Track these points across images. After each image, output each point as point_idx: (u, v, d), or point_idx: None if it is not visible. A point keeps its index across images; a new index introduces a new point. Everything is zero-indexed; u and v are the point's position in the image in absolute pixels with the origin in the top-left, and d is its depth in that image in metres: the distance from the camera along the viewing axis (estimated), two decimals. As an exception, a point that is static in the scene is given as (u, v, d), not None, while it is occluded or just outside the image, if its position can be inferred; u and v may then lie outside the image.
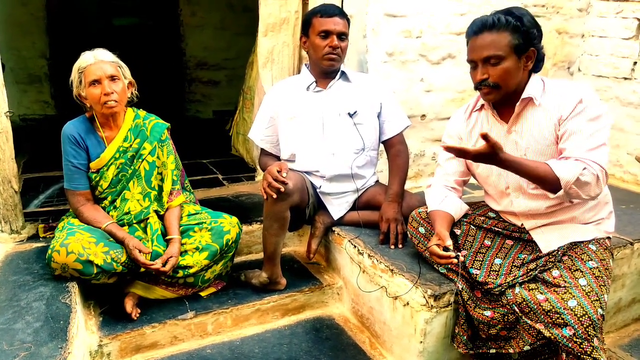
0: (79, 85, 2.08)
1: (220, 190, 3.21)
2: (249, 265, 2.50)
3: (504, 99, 1.78)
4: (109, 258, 1.94)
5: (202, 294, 2.24)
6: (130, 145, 2.16)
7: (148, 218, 2.17)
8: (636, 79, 3.24)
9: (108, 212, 2.16)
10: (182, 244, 2.13)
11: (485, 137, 1.53)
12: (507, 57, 1.70)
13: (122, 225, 2.13)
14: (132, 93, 2.18)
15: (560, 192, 1.62)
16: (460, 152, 1.63)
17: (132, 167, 2.17)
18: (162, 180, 2.23)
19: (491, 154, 1.58)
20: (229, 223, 2.21)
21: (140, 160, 2.18)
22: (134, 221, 2.16)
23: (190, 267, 2.11)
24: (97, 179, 2.13)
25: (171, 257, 2.05)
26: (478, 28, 1.73)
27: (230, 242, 2.19)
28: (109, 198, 2.16)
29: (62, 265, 1.90)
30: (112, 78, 2.05)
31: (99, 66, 2.03)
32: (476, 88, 1.79)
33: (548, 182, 1.63)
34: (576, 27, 3.47)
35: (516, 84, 1.76)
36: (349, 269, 2.35)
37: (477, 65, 1.74)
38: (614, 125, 3.26)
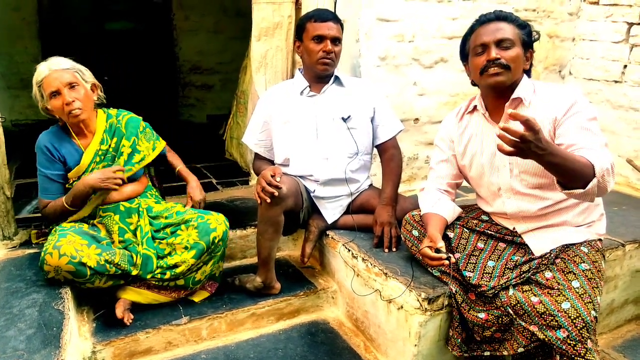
0: (42, 99, 2.05)
1: (215, 194, 3.20)
2: (244, 269, 2.49)
3: (504, 89, 1.80)
4: (102, 260, 1.94)
5: (196, 298, 2.23)
6: (109, 146, 2.15)
7: (139, 211, 2.16)
8: (626, 82, 3.27)
9: (97, 211, 2.14)
10: (169, 244, 2.11)
11: (516, 117, 1.32)
12: (517, 46, 1.77)
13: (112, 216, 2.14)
14: (98, 96, 2.15)
15: (593, 183, 1.48)
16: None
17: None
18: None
19: (537, 140, 1.35)
20: (215, 220, 2.16)
21: (121, 157, 2.17)
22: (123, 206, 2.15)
23: (178, 265, 2.08)
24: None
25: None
26: (490, 18, 1.80)
27: (217, 239, 2.13)
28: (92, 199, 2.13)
29: (55, 267, 1.89)
30: (71, 86, 2.02)
31: (54, 77, 1.99)
32: (482, 72, 1.78)
33: (584, 173, 1.48)
34: (567, 31, 3.50)
35: (518, 76, 1.79)
36: (343, 273, 2.35)
37: (488, 47, 1.77)
38: (605, 128, 3.29)
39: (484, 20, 1.81)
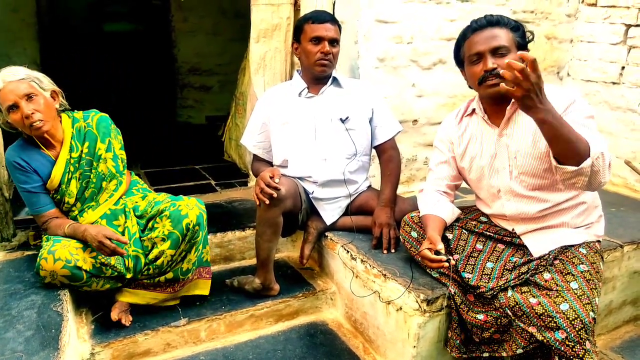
0: (0, 114, 1.94)
1: (213, 196, 3.20)
2: (242, 271, 2.49)
3: (503, 96, 1.79)
4: (98, 262, 1.93)
5: (199, 291, 2.20)
6: (81, 152, 2.06)
7: (126, 211, 2.13)
8: (624, 83, 3.28)
9: (82, 214, 2.08)
10: (149, 239, 2.06)
11: (524, 57, 1.37)
12: (512, 51, 1.74)
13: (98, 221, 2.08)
14: (60, 103, 2.04)
15: (587, 162, 1.48)
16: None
17: (93, 172, 2.08)
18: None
19: (537, 87, 1.39)
20: (186, 205, 2.05)
21: (99, 161, 2.09)
22: (107, 199, 2.11)
23: (158, 258, 2.03)
24: (59, 197, 2.05)
25: None
26: (482, 24, 1.77)
27: (192, 225, 2.03)
28: (78, 206, 2.08)
29: (50, 272, 1.88)
30: (29, 97, 1.90)
31: (9, 89, 1.88)
32: (480, 82, 1.77)
33: (579, 148, 1.49)
34: (565, 32, 3.51)
35: None
36: (342, 274, 2.35)
37: (483, 57, 1.75)
38: (602, 129, 3.30)
39: (475, 28, 1.78)
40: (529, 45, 1.84)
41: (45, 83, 2.00)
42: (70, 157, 2.05)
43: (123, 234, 2.08)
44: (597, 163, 1.50)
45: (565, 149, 1.50)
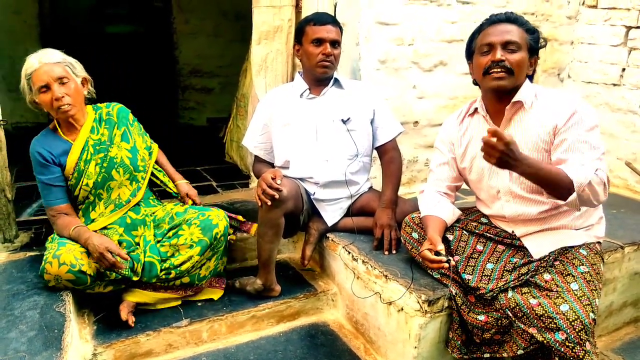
0: (30, 92, 1.99)
1: (215, 197, 3.21)
2: (244, 272, 2.49)
3: (506, 93, 1.81)
4: (102, 267, 1.94)
5: (210, 294, 2.24)
6: (101, 135, 2.11)
7: (147, 223, 2.16)
8: (625, 85, 3.29)
9: (94, 207, 2.10)
10: (172, 245, 2.10)
11: (495, 133, 1.51)
12: (523, 50, 1.77)
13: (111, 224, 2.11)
14: (88, 90, 2.11)
15: (573, 196, 1.59)
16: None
17: (108, 157, 2.10)
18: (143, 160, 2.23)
19: (508, 151, 1.53)
20: (216, 216, 2.16)
21: (114, 146, 2.12)
22: (124, 204, 2.13)
23: (183, 263, 2.08)
24: (75, 181, 2.06)
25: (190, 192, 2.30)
26: (501, 18, 1.80)
27: (219, 235, 2.14)
28: (94, 192, 2.10)
29: (55, 276, 1.90)
30: (61, 80, 1.95)
31: (44, 70, 1.93)
32: (486, 72, 1.79)
33: (561, 186, 1.61)
34: (565, 34, 3.52)
35: (521, 81, 1.80)
36: (343, 275, 2.35)
37: (494, 48, 1.77)
38: (603, 131, 3.30)
39: (493, 20, 1.81)
40: (540, 51, 1.85)
41: (78, 69, 2.06)
42: (90, 137, 2.09)
43: (138, 244, 2.11)
44: (584, 193, 1.60)
45: (548, 187, 1.65)
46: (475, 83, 1.94)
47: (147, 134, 2.35)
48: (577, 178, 1.59)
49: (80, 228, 2.00)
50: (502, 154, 1.54)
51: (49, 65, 1.95)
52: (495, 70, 1.76)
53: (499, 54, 1.75)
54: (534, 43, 1.80)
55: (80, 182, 2.07)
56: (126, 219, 2.14)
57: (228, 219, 2.22)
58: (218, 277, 2.30)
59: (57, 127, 2.09)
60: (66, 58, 2.02)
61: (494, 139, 1.52)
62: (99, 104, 2.21)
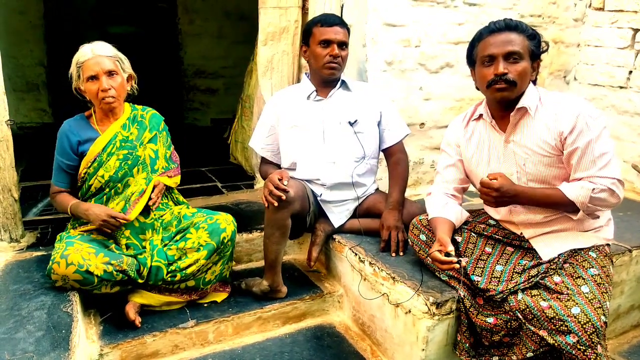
0: (77, 79, 2.06)
1: (220, 198, 3.20)
2: (250, 273, 2.49)
3: (510, 101, 1.80)
4: (110, 268, 1.94)
5: (214, 298, 2.24)
6: (130, 133, 2.15)
7: (155, 228, 2.16)
8: (631, 87, 3.28)
9: (109, 199, 2.11)
10: (179, 249, 2.10)
11: (482, 184, 1.76)
12: (525, 59, 1.76)
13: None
14: (131, 87, 2.17)
15: (580, 214, 1.74)
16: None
17: (134, 155, 2.13)
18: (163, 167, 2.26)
19: (501, 195, 1.74)
20: (224, 220, 2.17)
21: (142, 147, 2.17)
22: (131, 198, 2.12)
23: (190, 266, 2.07)
24: (96, 167, 2.08)
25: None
26: (500, 27, 1.78)
27: (227, 239, 2.14)
28: (111, 185, 2.11)
29: (62, 276, 1.90)
30: (110, 73, 2.03)
31: (96, 61, 2.01)
32: (489, 85, 1.78)
33: (564, 206, 1.76)
34: (572, 36, 3.51)
35: (524, 89, 1.79)
36: (349, 277, 2.35)
37: (496, 59, 1.75)
38: (609, 133, 3.29)
39: (493, 29, 1.78)
40: (546, 54, 1.85)
41: (126, 65, 2.13)
42: (120, 132, 2.14)
43: (145, 247, 2.12)
44: (590, 207, 1.72)
45: (553, 208, 1.82)
46: (478, 88, 1.93)
47: (172, 147, 2.36)
48: (577, 197, 1.70)
49: (78, 201, 2.09)
50: (496, 199, 1.76)
51: (101, 57, 2.03)
52: (499, 83, 1.75)
53: (502, 67, 1.74)
54: (536, 48, 1.78)
55: (97, 173, 2.10)
56: (134, 221, 2.14)
57: (236, 224, 2.23)
58: (223, 282, 2.30)
59: (93, 114, 2.15)
60: (117, 53, 2.10)
61: (485, 189, 1.76)
62: (136, 105, 2.26)
